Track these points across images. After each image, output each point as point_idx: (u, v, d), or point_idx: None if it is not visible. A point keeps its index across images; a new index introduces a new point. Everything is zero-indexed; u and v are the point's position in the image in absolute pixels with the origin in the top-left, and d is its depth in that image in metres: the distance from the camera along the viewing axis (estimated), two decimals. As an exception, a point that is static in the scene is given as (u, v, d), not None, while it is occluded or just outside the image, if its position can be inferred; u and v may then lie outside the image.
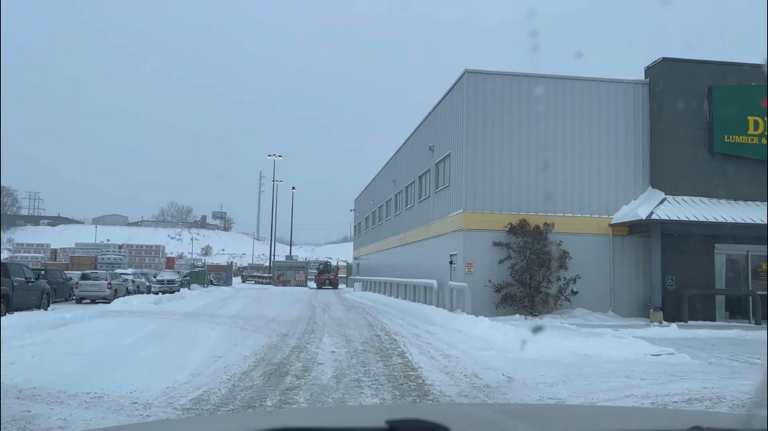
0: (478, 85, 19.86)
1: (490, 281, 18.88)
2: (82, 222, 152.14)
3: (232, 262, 61.08)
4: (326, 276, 53.24)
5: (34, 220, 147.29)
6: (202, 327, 15.54)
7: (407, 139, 30.19)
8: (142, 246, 69.39)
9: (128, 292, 29.24)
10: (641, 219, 18.14)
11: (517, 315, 18.08)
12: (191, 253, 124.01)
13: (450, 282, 19.60)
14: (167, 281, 38.59)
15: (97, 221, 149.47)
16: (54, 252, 71.66)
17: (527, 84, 20.07)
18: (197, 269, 48.74)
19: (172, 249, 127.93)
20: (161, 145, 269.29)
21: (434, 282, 21.47)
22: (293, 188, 69.38)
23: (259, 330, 14.79)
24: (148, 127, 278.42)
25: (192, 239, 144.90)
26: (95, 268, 48.20)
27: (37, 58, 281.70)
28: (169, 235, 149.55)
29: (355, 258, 52.28)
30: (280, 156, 66.45)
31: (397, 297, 28.57)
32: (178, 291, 36.11)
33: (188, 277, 41.06)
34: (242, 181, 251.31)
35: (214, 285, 48.54)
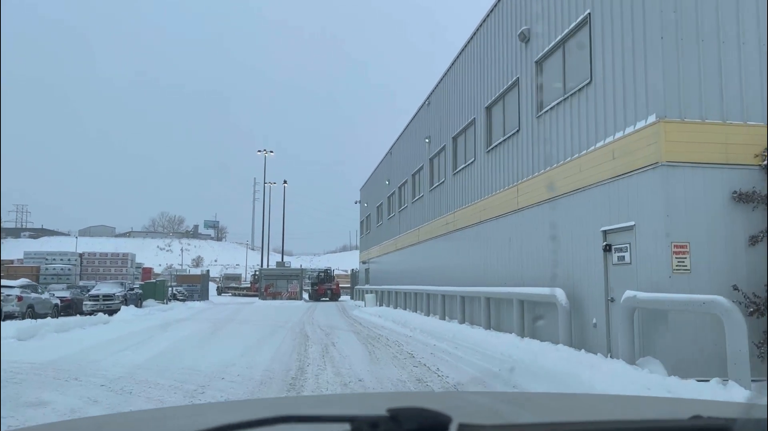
0: None
1: (736, 288, 7.67)
2: (68, 234, 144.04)
3: (207, 271, 49.60)
4: (327, 286, 43.92)
5: (15, 233, 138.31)
6: None
7: (455, 60, 18.99)
8: (106, 254, 57.88)
9: (3, 317, 18.11)
10: None
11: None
12: (180, 264, 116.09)
13: (629, 292, 8.17)
14: (104, 296, 27.33)
15: (83, 233, 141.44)
16: (9, 263, 62.39)
17: None
18: (154, 280, 37.28)
19: (161, 261, 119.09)
20: (153, 155, 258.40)
21: (559, 294, 10.15)
22: (285, 182, 58.58)
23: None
24: (140, 135, 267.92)
25: (182, 249, 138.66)
26: (37, 280, 38.16)
27: (28, 70, 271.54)
28: (158, 246, 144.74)
29: (363, 263, 40.96)
30: (271, 152, 59.49)
31: (444, 318, 17.38)
32: (119, 310, 25.22)
33: (135, 291, 29.65)
34: (236, 190, 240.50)
35: (178, 300, 37.23)
